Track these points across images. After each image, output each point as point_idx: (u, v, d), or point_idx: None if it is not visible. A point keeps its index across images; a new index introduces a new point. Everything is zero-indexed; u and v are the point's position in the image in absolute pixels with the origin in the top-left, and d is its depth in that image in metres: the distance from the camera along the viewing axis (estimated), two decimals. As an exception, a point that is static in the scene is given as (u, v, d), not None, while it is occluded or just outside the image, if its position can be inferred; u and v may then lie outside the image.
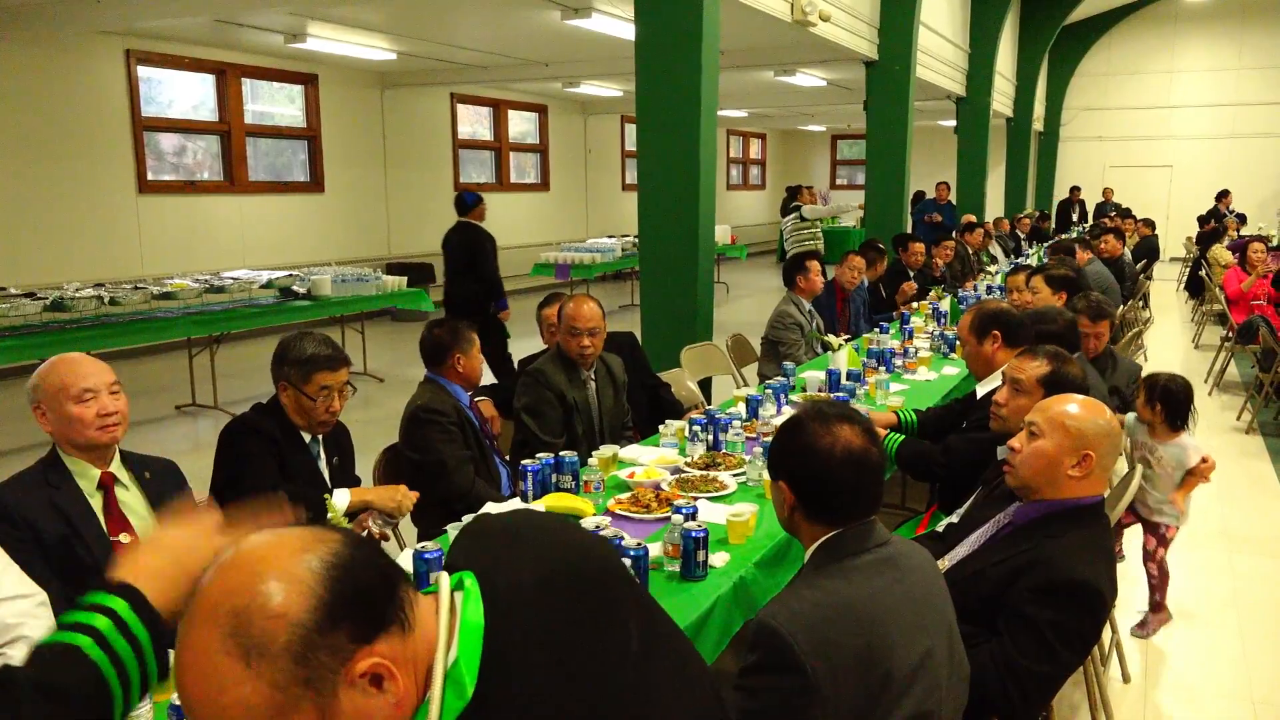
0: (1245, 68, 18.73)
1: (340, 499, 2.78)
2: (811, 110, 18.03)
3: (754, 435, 3.59)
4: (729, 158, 21.70)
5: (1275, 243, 11.66)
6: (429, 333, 3.41)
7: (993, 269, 10.23)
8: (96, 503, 2.38)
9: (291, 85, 11.60)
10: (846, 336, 5.72)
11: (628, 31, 6.69)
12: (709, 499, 2.95)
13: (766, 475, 2.00)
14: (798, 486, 1.79)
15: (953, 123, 14.80)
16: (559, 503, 2.86)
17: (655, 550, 2.44)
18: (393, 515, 2.89)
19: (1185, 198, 18.72)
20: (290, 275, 8.01)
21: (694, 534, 2.38)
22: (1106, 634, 3.38)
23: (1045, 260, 8.46)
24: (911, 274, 8.12)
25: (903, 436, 3.48)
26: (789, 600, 1.67)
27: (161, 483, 2.55)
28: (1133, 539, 4.11)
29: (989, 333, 3.46)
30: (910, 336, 5.74)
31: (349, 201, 12.28)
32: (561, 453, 3.06)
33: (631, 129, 17.05)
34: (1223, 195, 16.83)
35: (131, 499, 2.46)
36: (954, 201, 14.22)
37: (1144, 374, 3.95)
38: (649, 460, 3.35)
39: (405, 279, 8.73)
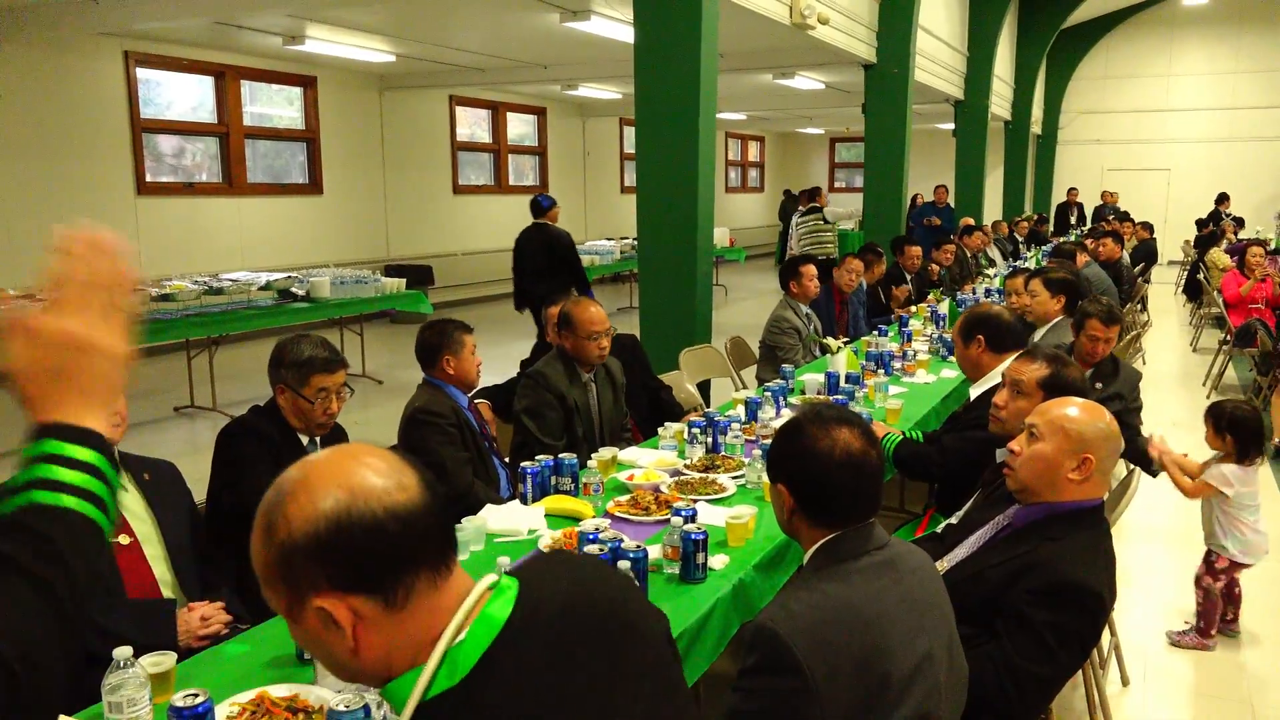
0: (1242, 71, 18.76)
1: None
2: (810, 113, 18.04)
3: (753, 438, 3.59)
4: (727, 160, 21.71)
5: (1273, 245, 11.68)
6: (420, 334, 3.43)
7: (991, 272, 10.25)
8: (95, 504, 2.38)
9: (290, 87, 11.61)
10: (845, 339, 5.72)
11: (627, 34, 6.70)
12: (708, 501, 2.95)
13: (765, 478, 2.00)
14: (797, 489, 1.79)
15: (951, 126, 14.82)
16: (558, 505, 2.86)
17: (654, 552, 2.44)
18: None
19: (1183, 201, 18.75)
20: (289, 277, 8.01)
21: (693, 536, 2.38)
22: (1106, 637, 3.38)
23: (1044, 263, 8.46)
24: (909, 277, 8.13)
25: (901, 436, 3.48)
26: (787, 602, 1.67)
27: (160, 484, 2.55)
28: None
29: (974, 336, 3.48)
30: (909, 339, 5.75)
31: (348, 203, 12.28)
32: (561, 455, 3.06)
33: (630, 131, 17.06)
34: (1222, 199, 16.86)
35: (131, 501, 2.45)
36: (952, 205, 14.24)
37: (1209, 405, 3.74)
38: (648, 463, 3.35)
39: (404, 281, 8.73)
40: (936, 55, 12.27)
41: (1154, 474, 3.67)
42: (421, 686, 1.02)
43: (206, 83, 10.63)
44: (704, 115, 5.62)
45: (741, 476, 3.19)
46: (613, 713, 1.13)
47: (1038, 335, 4.93)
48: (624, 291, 14.36)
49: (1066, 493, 2.18)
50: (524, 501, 2.96)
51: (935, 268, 8.80)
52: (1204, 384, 8.15)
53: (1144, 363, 9.00)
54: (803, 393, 4.48)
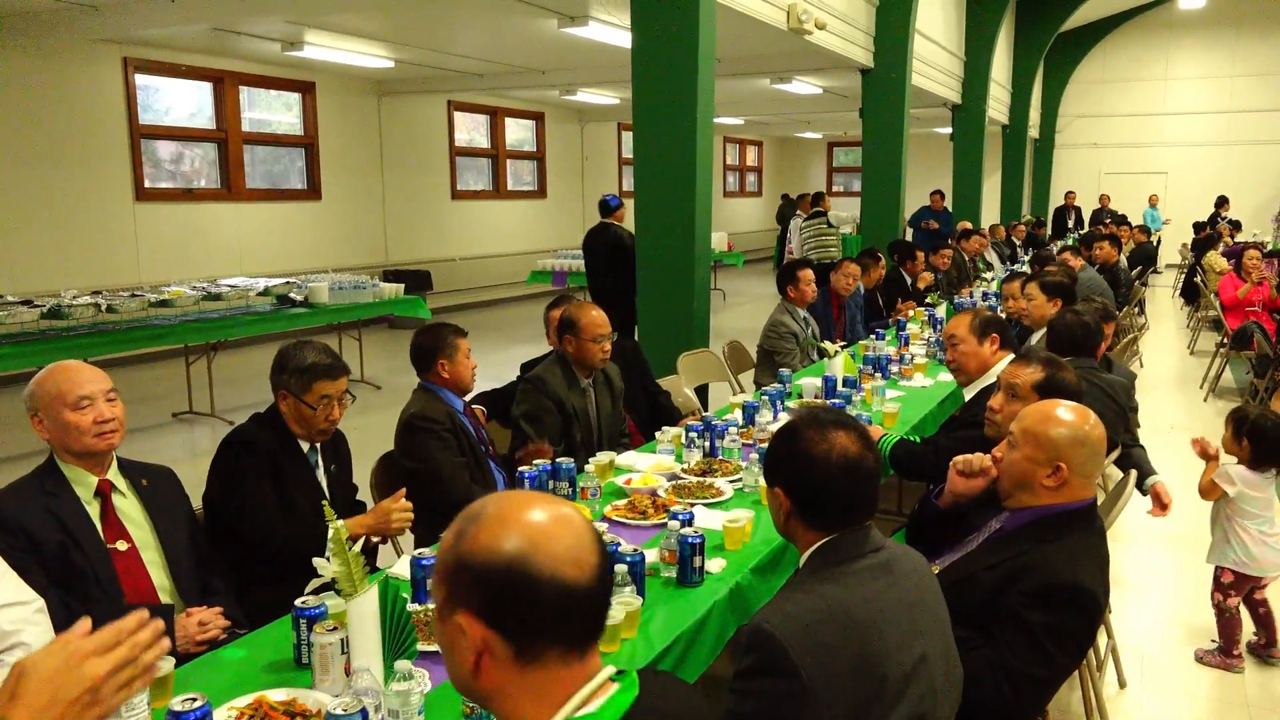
0: (1239, 75, 18.80)
1: None
2: (808, 118, 18.08)
3: (750, 442, 3.60)
4: (725, 165, 21.74)
5: (1270, 248, 11.69)
6: (414, 339, 3.42)
7: (989, 275, 10.26)
8: (94, 510, 2.38)
9: (289, 93, 11.63)
10: (842, 343, 5.73)
11: (624, 40, 6.71)
12: (705, 505, 2.96)
13: (763, 481, 2.01)
14: (794, 493, 1.80)
15: (949, 130, 14.84)
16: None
17: (652, 556, 2.45)
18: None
19: (1180, 204, 18.77)
20: (287, 283, 8.01)
21: (690, 540, 2.38)
22: (1103, 639, 3.39)
23: (1030, 270, 8.48)
24: (910, 281, 8.14)
25: (898, 437, 3.50)
26: (784, 605, 1.68)
27: (159, 490, 2.55)
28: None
29: (989, 334, 3.52)
30: (906, 343, 5.76)
31: (346, 209, 12.29)
32: (559, 459, 3.06)
33: (628, 136, 17.08)
34: (1222, 203, 16.89)
35: (129, 506, 2.46)
36: (949, 209, 14.26)
37: (1233, 409, 3.70)
38: (646, 467, 3.36)
39: (402, 286, 8.74)
40: (934, 60, 12.29)
41: (1144, 491, 3.65)
42: None
43: (205, 89, 10.65)
44: (701, 120, 5.63)
45: (739, 480, 3.20)
46: None
47: (1034, 339, 4.94)
48: (622, 296, 14.35)
49: (1045, 499, 2.19)
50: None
51: (927, 275, 8.81)
52: (1201, 387, 8.17)
53: (1141, 365, 9.01)
54: (800, 396, 4.48)
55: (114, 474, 2.46)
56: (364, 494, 3.19)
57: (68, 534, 2.30)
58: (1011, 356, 3.39)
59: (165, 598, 2.43)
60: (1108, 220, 15.44)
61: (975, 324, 3.55)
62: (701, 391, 5.68)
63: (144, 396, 7.89)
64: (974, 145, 14.40)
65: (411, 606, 2.11)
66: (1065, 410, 2.24)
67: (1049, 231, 16.89)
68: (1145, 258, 12.54)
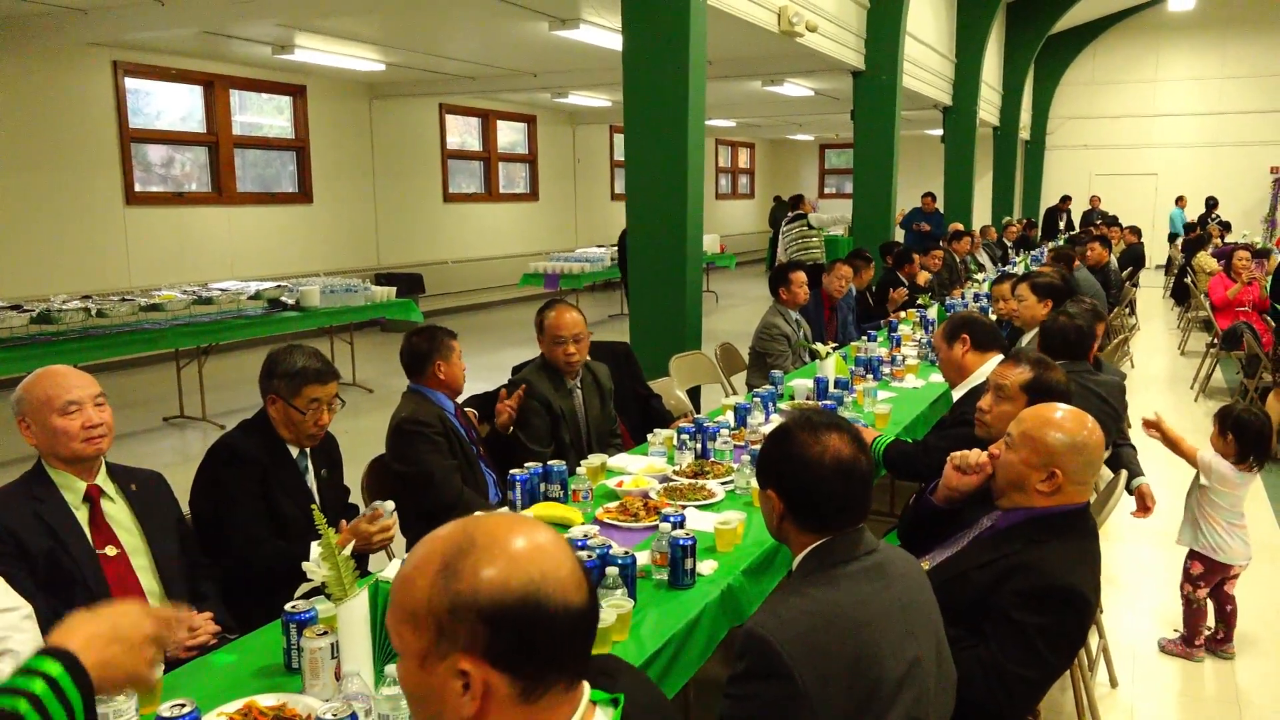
0: (1228, 77, 18.90)
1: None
2: (799, 120, 18.11)
3: (742, 444, 3.59)
4: (717, 167, 21.77)
5: (1259, 248, 11.74)
6: (408, 342, 3.39)
7: (980, 276, 10.29)
8: (82, 515, 2.37)
9: (280, 96, 11.60)
10: (834, 345, 5.73)
11: (615, 42, 6.71)
12: (697, 507, 2.95)
13: (755, 483, 2.00)
14: (787, 495, 1.80)
15: (940, 132, 14.89)
16: (547, 512, 2.86)
17: (643, 559, 2.44)
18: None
19: (1170, 206, 18.86)
20: (279, 286, 7.99)
21: (682, 542, 2.38)
22: (1094, 638, 3.40)
23: (1038, 266, 8.50)
24: (905, 284, 8.15)
25: (891, 437, 3.50)
26: (777, 608, 1.67)
27: (148, 495, 2.54)
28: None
29: (959, 336, 3.52)
30: (898, 344, 5.77)
31: (337, 212, 12.27)
32: (550, 462, 3.06)
33: (620, 139, 17.08)
34: (1212, 204, 16.97)
35: (118, 511, 2.45)
36: (941, 210, 14.31)
37: (1221, 407, 3.73)
38: (637, 469, 3.36)
39: (394, 289, 8.71)
40: (925, 61, 12.33)
41: (1130, 491, 3.67)
42: None
43: (195, 92, 10.62)
44: (693, 122, 5.63)
45: (730, 482, 3.20)
46: None
47: (1025, 340, 4.95)
48: (614, 298, 14.36)
49: (1038, 501, 2.20)
50: (513, 509, 2.95)
51: (921, 277, 8.83)
52: (1191, 387, 8.20)
53: (1132, 366, 9.05)
54: (792, 398, 4.49)
55: (103, 479, 2.44)
56: (355, 497, 3.18)
57: (56, 539, 2.29)
58: (1000, 357, 3.39)
59: (154, 602, 2.41)
60: (1099, 221, 15.49)
61: (944, 330, 3.61)
62: (694, 393, 5.68)
63: (135, 401, 7.86)
64: (965, 147, 14.44)
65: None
66: (1064, 416, 2.24)
67: (1040, 233, 16.94)
68: (1135, 258, 12.58)
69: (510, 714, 1.03)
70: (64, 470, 2.37)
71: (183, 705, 1.58)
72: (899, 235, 12.62)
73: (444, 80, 12.06)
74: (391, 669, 1.71)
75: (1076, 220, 17.67)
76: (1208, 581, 3.63)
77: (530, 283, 11.76)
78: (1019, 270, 9.45)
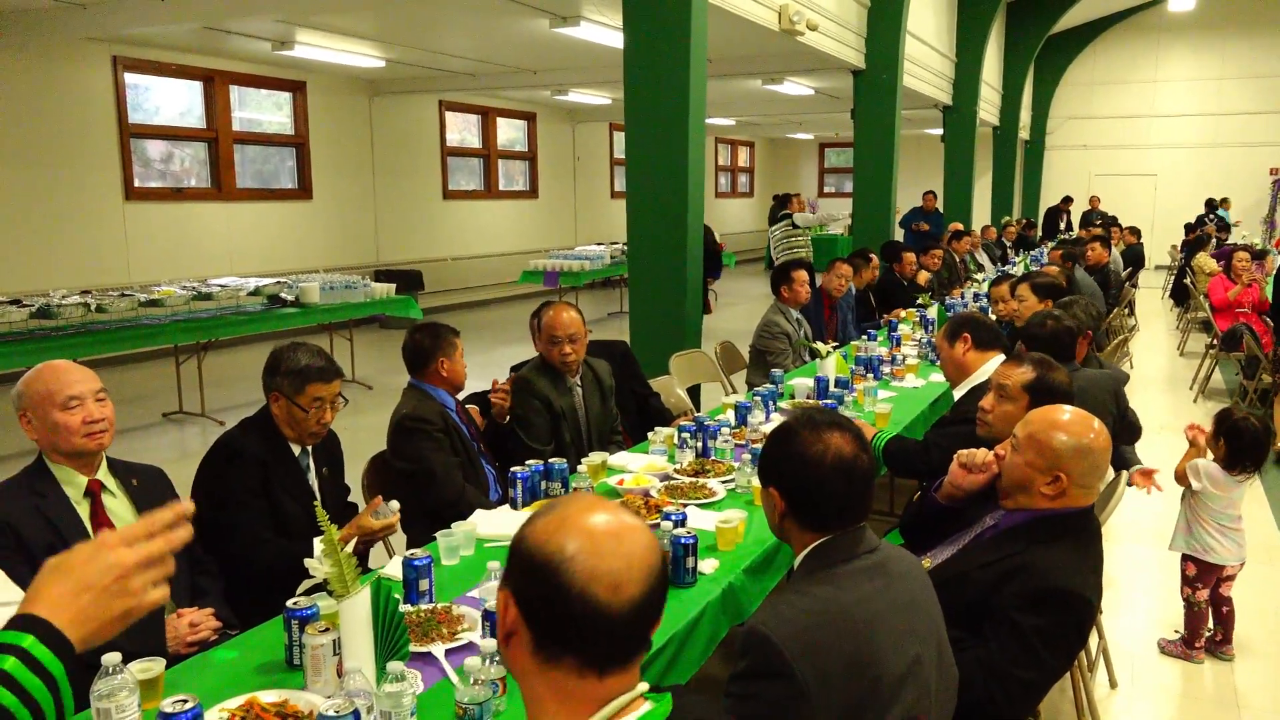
0: (1227, 77, 18.91)
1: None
2: (799, 118, 18.10)
3: (743, 442, 3.60)
4: (717, 165, 21.76)
5: (1258, 249, 11.75)
6: (410, 338, 3.38)
7: (979, 276, 10.29)
8: (83, 510, 2.37)
9: (279, 92, 11.59)
10: (834, 344, 5.73)
11: (616, 40, 6.70)
12: (698, 506, 2.95)
13: (756, 482, 2.00)
14: (788, 493, 1.80)
15: (940, 131, 14.89)
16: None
17: (645, 557, 2.44)
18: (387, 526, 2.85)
19: (1170, 206, 18.87)
20: (278, 282, 7.98)
21: (683, 541, 2.38)
22: (1094, 640, 3.40)
23: (1046, 264, 8.51)
24: (905, 283, 8.15)
25: (892, 434, 3.50)
26: (779, 606, 1.67)
27: (149, 490, 2.54)
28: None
29: (960, 335, 3.52)
30: (898, 344, 5.77)
31: (337, 209, 12.26)
32: (551, 460, 3.05)
33: (620, 136, 17.08)
34: (1212, 205, 16.95)
35: (119, 506, 2.45)
36: (941, 210, 14.31)
37: (1221, 410, 3.69)
38: (638, 467, 3.36)
39: (393, 286, 8.71)
40: (925, 61, 12.33)
41: (1129, 479, 3.68)
42: None
43: (195, 88, 10.60)
44: (693, 120, 5.63)
45: (731, 481, 3.20)
46: None
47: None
48: (614, 296, 14.36)
49: (1042, 504, 2.20)
50: (514, 506, 2.95)
51: (921, 276, 8.83)
52: (1191, 388, 8.20)
53: (1131, 366, 9.05)
54: (792, 397, 4.49)
55: (104, 474, 2.44)
56: (355, 495, 3.18)
57: (57, 534, 2.29)
58: (1001, 356, 3.39)
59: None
60: (1098, 221, 15.49)
61: (946, 329, 3.61)
62: (694, 392, 5.68)
63: (134, 396, 7.86)
64: (965, 146, 14.45)
65: (404, 608, 2.11)
66: (1070, 419, 2.22)
67: (1040, 233, 16.95)
68: (1135, 259, 12.57)
69: (529, 660, 1.12)
70: (65, 465, 2.37)
71: (184, 701, 1.58)
72: (899, 235, 12.62)
73: (444, 77, 12.05)
74: (393, 665, 1.71)
75: (1076, 221, 17.67)
76: (1204, 583, 3.62)
77: (530, 280, 11.75)
78: (1018, 271, 9.45)
